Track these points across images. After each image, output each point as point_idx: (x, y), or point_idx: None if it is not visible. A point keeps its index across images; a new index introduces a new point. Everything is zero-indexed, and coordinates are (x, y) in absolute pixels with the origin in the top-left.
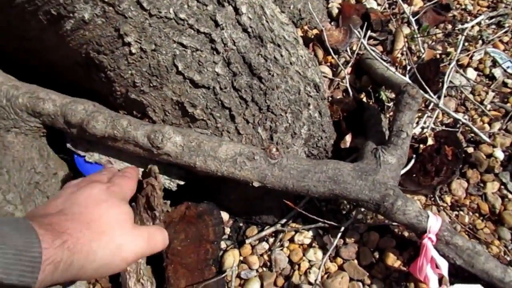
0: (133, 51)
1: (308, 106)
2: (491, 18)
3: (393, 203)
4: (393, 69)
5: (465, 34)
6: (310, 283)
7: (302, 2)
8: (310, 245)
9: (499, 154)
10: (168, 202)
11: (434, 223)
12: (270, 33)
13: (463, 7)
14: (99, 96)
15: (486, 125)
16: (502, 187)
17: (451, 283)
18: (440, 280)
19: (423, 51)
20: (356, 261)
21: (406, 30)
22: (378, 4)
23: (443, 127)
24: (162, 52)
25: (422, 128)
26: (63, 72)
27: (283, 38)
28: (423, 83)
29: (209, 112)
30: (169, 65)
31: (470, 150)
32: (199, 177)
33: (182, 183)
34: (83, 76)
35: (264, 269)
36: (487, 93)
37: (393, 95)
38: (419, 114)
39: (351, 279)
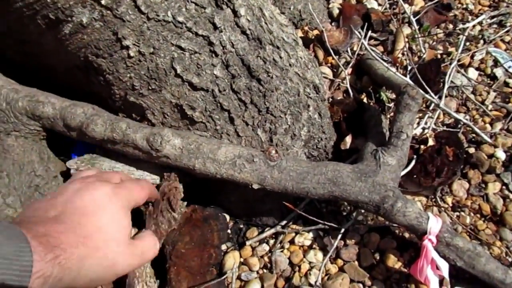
0: (132, 54)
1: (308, 107)
2: (492, 17)
3: (393, 205)
4: (393, 69)
5: (466, 33)
6: (310, 285)
7: (302, 2)
8: (310, 247)
9: (501, 155)
10: (185, 203)
11: (435, 224)
12: (269, 35)
13: (464, 6)
14: (99, 99)
15: (488, 125)
16: (504, 187)
17: (453, 286)
18: (441, 281)
19: (424, 51)
20: (356, 263)
21: (407, 30)
22: (379, 4)
23: (444, 128)
24: (160, 55)
25: (423, 128)
26: (63, 76)
27: (282, 40)
28: (424, 83)
29: (208, 114)
30: (168, 68)
31: (471, 150)
32: (199, 179)
33: None
34: (82, 79)
35: (265, 270)
36: (488, 93)
37: (393, 96)
38: (420, 114)
39: (351, 281)
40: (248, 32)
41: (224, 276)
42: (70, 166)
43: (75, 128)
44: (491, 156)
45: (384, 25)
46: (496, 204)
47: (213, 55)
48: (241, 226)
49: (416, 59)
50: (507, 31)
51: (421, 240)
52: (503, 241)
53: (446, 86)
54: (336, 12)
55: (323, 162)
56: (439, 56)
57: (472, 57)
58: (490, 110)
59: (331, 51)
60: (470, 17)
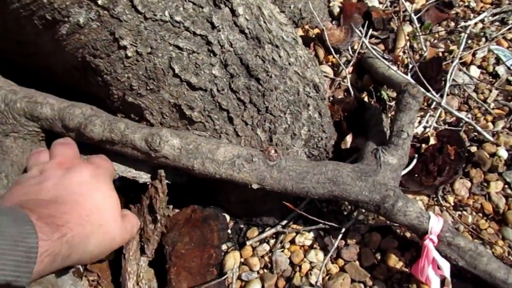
0: (129, 54)
1: (308, 106)
2: (494, 15)
3: (393, 204)
4: (394, 68)
5: (468, 31)
6: (311, 285)
7: (303, 1)
8: (311, 247)
9: (503, 153)
10: (171, 206)
11: (436, 224)
12: (268, 34)
13: (466, 4)
14: (97, 99)
15: (490, 124)
16: (506, 186)
17: (454, 286)
18: (442, 281)
19: (425, 49)
20: (357, 262)
21: (408, 28)
22: (380, 2)
23: (446, 126)
24: (158, 55)
25: (425, 127)
26: (61, 76)
27: (281, 39)
28: (425, 81)
29: (206, 114)
30: (166, 68)
31: (473, 149)
32: (198, 179)
33: None
34: (80, 80)
35: (265, 270)
36: (490, 91)
37: (394, 95)
38: (421, 113)
39: (352, 281)
40: (246, 31)
41: (225, 276)
42: None
43: (74, 129)
44: (493, 154)
45: (385, 23)
46: (498, 203)
47: (212, 55)
48: (242, 226)
49: (417, 57)
50: (510, 29)
51: (422, 240)
52: (505, 240)
53: (448, 85)
54: (336, 10)
55: (323, 161)
56: (440, 54)
57: (474, 55)
58: (492, 109)
59: (332, 49)
60: (472, 15)
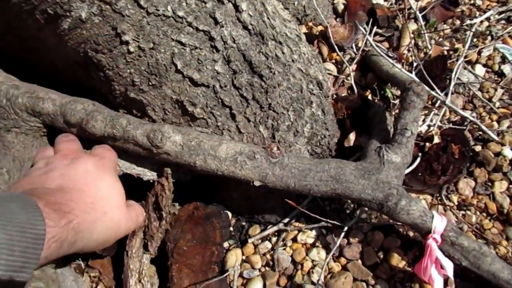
0: (131, 49)
1: (311, 104)
2: (500, 13)
3: (396, 203)
4: (399, 66)
5: (473, 29)
6: (313, 283)
7: None
8: (313, 245)
9: (508, 153)
10: (176, 204)
11: (439, 223)
12: (271, 30)
13: (472, 2)
14: (99, 95)
15: (495, 123)
16: (511, 186)
17: (457, 285)
18: (446, 281)
19: (430, 47)
20: (360, 261)
21: (413, 26)
22: (385, 0)
23: (450, 125)
24: (160, 51)
25: (429, 126)
26: (63, 71)
27: (285, 35)
28: (430, 80)
29: (209, 110)
30: (168, 64)
31: (478, 148)
32: (201, 176)
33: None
34: (82, 75)
35: (267, 268)
36: (495, 90)
37: (399, 93)
38: (426, 111)
39: (354, 279)
40: (250, 27)
41: (226, 274)
42: None
43: (75, 125)
44: (498, 154)
45: (389, 21)
46: (502, 203)
47: (214, 51)
48: (243, 223)
49: (422, 55)
50: None
51: (425, 239)
52: (509, 240)
53: (453, 83)
54: (341, 7)
55: (325, 159)
56: (445, 53)
57: (479, 53)
58: (498, 108)
59: (336, 47)
60: (477, 13)
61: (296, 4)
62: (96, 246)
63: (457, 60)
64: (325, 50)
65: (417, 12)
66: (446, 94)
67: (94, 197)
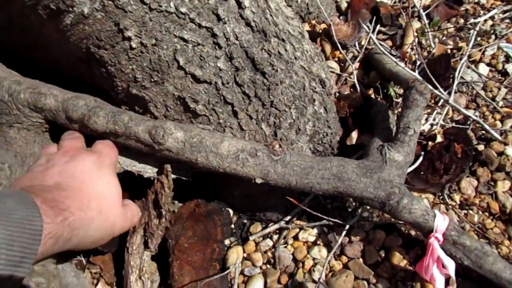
0: (134, 45)
1: (313, 101)
2: (505, 12)
3: (398, 202)
4: (402, 64)
5: (477, 28)
6: (314, 281)
7: None
8: (314, 243)
9: (511, 152)
10: (176, 202)
11: (441, 222)
12: (274, 27)
13: (476, 0)
14: (101, 91)
15: (498, 122)
16: None
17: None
18: (447, 280)
19: (433, 46)
20: (361, 260)
21: (416, 25)
22: None
23: (453, 124)
24: (163, 47)
25: (431, 124)
26: (65, 67)
27: (287, 33)
28: (433, 78)
29: (211, 107)
30: (170, 60)
31: (481, 147)
32: (203, 173)
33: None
34: (84, 71)
35: (268, 266)
36: (499, 89)
37: (402, 91)
38: (429, 110)
39: (356, 278)
40: (252, 24)
41: (227, 271)
42: None
43: (77, 120)
44: (500, 153)
45: (393, 19)
46: (505, 203)
47: (217, 47)
48: (245, 221)
49: (425, 54)
50: None
51: (427, 238)
52: (511, 240)
53: (456, 82)
54: (344, 5)
55: (327, 157)
56: (449, 51)
57: (483, 52)
58: (501, 107)
59: (339, 45)
60: (481, 12)
61: (299, 1)
62: (91, 243)
63: (460, 59)
64: (328, 48)
65: (421, 11)
66: (449, 93)
67: (91, 195)
